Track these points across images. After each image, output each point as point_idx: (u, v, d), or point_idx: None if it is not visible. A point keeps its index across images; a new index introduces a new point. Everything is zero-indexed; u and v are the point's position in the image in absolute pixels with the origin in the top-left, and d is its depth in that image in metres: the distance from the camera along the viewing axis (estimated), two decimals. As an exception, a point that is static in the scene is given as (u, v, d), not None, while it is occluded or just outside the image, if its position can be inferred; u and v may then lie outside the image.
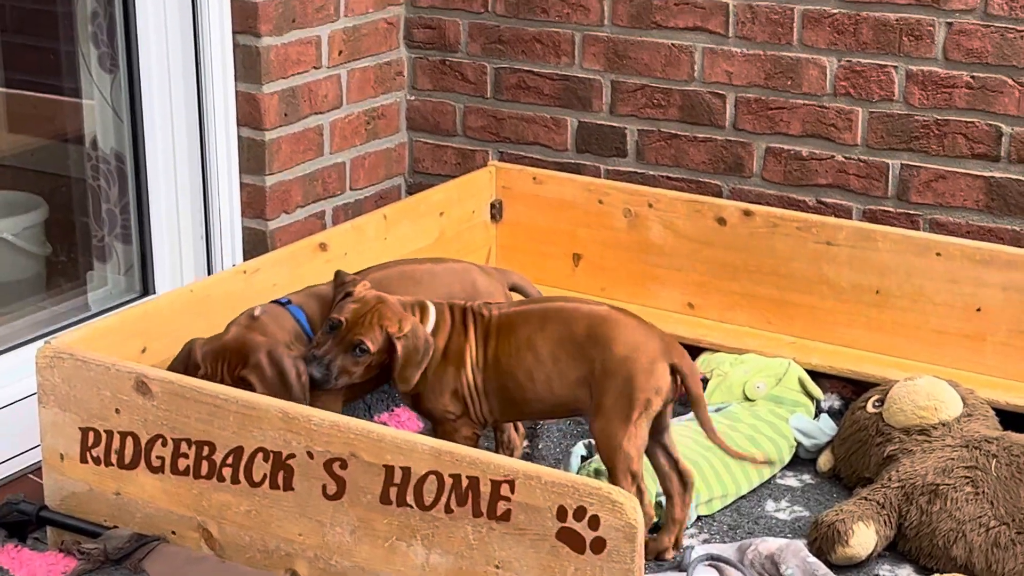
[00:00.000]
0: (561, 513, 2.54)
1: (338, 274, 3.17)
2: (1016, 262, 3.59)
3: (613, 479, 3.04)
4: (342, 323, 3.00)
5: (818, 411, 3.72)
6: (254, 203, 3.96)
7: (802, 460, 3.61)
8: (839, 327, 3.81)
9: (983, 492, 3.18)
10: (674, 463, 3.14)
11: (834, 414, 3.70)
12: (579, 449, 3.44)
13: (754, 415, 3.59)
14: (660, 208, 3.97)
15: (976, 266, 3.63)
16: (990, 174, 3.72)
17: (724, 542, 3.27)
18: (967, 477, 3.21)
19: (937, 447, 3.33)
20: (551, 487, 2.55)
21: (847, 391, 3.72)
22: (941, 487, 3.20)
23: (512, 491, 2.58)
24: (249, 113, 3.89)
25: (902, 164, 3.80)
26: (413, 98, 4.35)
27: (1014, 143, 3.67)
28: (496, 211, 4.19)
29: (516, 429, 3.41)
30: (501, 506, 2.60)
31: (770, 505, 3.44)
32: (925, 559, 3.17)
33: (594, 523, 2.52)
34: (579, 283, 4.13)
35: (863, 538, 3.14)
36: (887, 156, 3.81)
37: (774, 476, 3.55)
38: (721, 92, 3.96)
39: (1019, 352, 3.62)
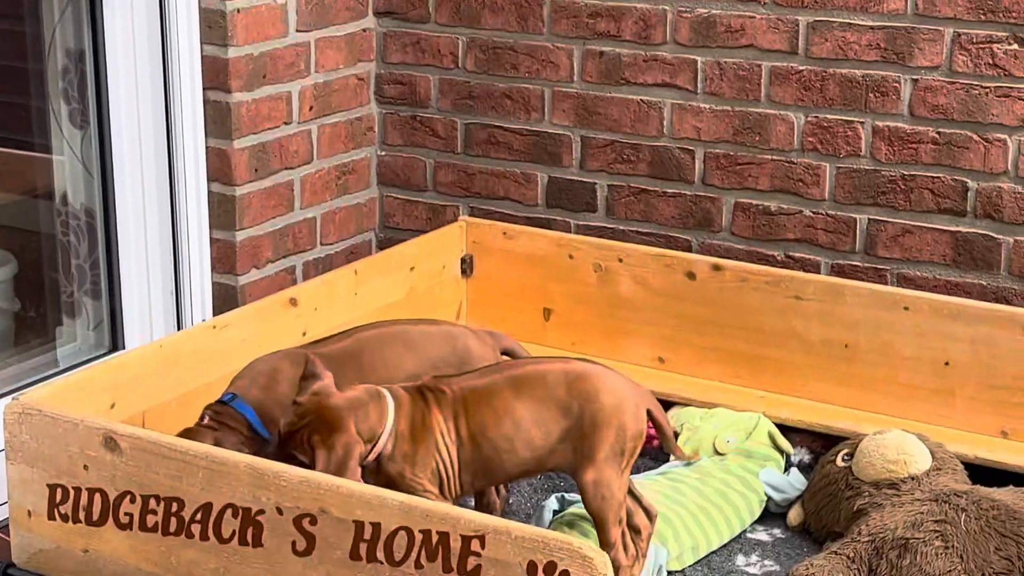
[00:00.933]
0: (531, 568, 2.54)
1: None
2: (983, 316, 3.62)
3: (605, 528, 3.05)
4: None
5: (788, 465, 3.72)
6: (224, 258, 3.96)
7: (772, 514, 3.61)
8: (809, 381, 3.82)
9: (953, 546, 3.19)
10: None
11: (804, 468, 3.70)
12: (551, 503, 3.43)
13: (724, 469, 3.59)
14: (630, 263, 3.99)
15: (944, 320, 3.65)
16: (956, 229, 3.75)
17: (695, 598, 3.27)
18: (937, 531, 3.22)
19: (907, 501, 3.34)
20: (521, 542, 2.55)
21: (817, 445, 3.73)
22: (911, 541, 3.21)
23: (483, 546, 2.58)
24: (220, 168, 3.90)
25: (869, 219, 3.82)
26: (384, 153, 4.36)
27: (980, 198, 3.70)
28: (467, 266, 4.20)
29: (497, 491, 3.38)
30: (471, 561, 2.59)
31: (740, 560, 3.44)
32: (895, 613, 3.18)
33: (564, 579, 2.52)
34: (550, 338, 4.14)
35: (834, 593, 3.14)
36: (854, 211, 3.84)
37: (744, 531, 3.55)
38: (690, 148, 3.99)
39: (987, 406, 3.64)
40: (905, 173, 3.76)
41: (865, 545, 3.25)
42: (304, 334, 3.66)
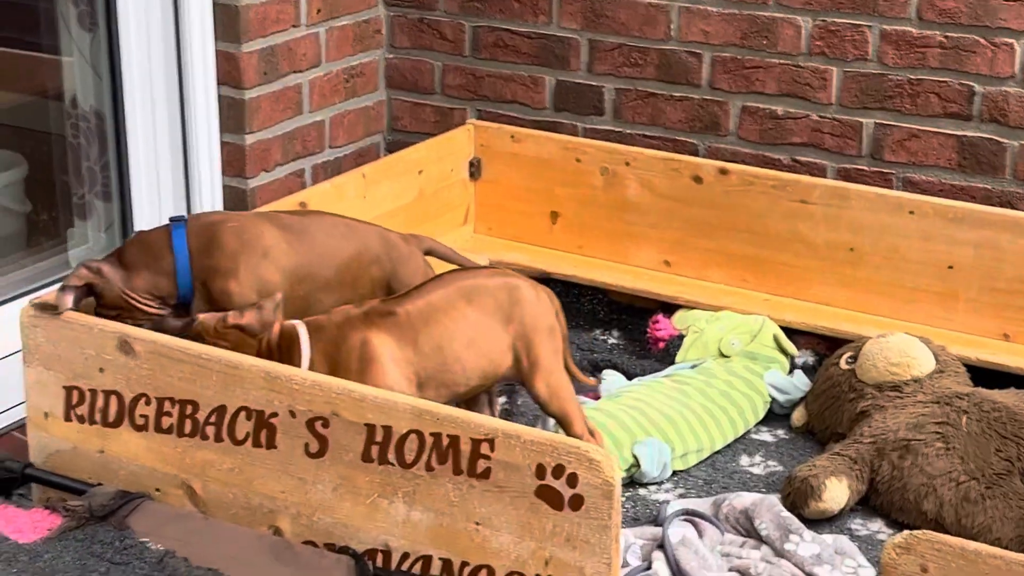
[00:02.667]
0: (540, 471, 2.59)
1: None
2: (987, 220, 3.65)
3: (571, 423, 3.16)
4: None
5: (792, 367, 3.77)
6: (234, 161, 3.98)
7: (776, 416, 3.67)
8: (813, 284, 3.86)
9: (953, 447, 3.24)
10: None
11: (808, 370, 3.75)
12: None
13: (728, 371, 3.64)
14: (637, 166, 4.01)
15: (948, 224, 3.68)
16: (962, 133, 3.76)
17: (700, 496, 3.32)
18: (938, 433, 3.26)
19: (909, 403, 3.38)
20: (530, 446, 2.59)
21: (821, 347, 3.77)
22: (912, 443, 3.26)
23: (492, 449, 2.63)
24: (228, 72, 3.91)
25: (876, 123, 3.84)
26: (392, 56, 4.37)
27: (986, 102, 3.71)
28: (475, 169, 4.22)
29: (490, 404, 3.42)
30: (481, 464, 2.64)
31: (744, 460, 3.49)
32: (896, 513, 3.23)
33: (572, 481, 2.57)
34: (557, 240, 4.17)
35: (835, 493, 3.19)
36: (861, 115, 3.85)
37: (749, 431, 3.60)
38: (697, 51, 4.00)
39: (990, 309, 3.68)
40: (912, 77, 3.77)
41: (867, 446, 3.30)
42: (315, 237, 3.69)
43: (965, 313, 3.70)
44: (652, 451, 3.35)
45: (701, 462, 3.47)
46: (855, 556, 3.05)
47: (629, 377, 3.75)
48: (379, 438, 2.72)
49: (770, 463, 3.48)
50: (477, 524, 2.67)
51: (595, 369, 3.84)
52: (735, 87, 3.97)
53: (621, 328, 4.06)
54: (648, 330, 3.93)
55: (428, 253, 3.46)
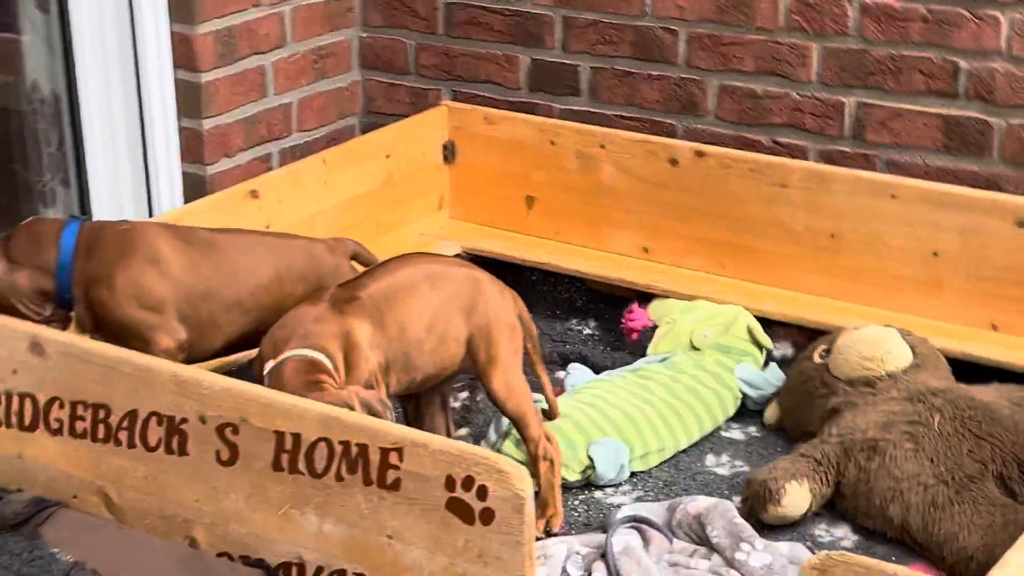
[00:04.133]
0: (449, 483, 2.43)
1: None
2: (973, 204, 3.44)
3: (527, 423, 3.04)
4: None
5: (769, 360, 3.59)
6: (192, 147, 3.83)
7: (750, 412, 3.49)
8: (794, 272, 3.67)
9: (923, 449, 3.05)
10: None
11: (786, 363, 3.56)
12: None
13: (698, 365, 3.46)
14: (612, 149, 3.83)
15: (932, 208, 3.48)
16: (948, 112, 3.56)
17: (658, 499, 3.15)
18: (908, 433, 3.08)
19: (881, 400, 3.20)
20: (439, 456, 2.44)
21: (801, 339, 3.58)
22: (880, 443, 3.07)
23: (401, 459, 2.47)
24: (184, 55, 3.76)
25: (858, 102, 3.64)
26: (365, 35, 4.21)
27: (971, 79, 3.50)
28: (449, 153, 4.06)
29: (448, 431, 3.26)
30: (391, 475, 2.49)
31: (710, 459, 3.32)
32: (862, 518, 3.05)
33: (482, 493, 2.41)
34: (533, 226, 4.01)
35: (795, 497, 3.01)
36: (842, 93, 3.65)
37: (718, 428, 3.42)
38: (673, 27, 3.80)
39: (976, 298, 3.48)
40: (894, 53, 3.57)
41: (834, 446, 3.12)
42: (268, 227, 3.54)
43: (951, 302, 3.51)
44: (608, 452, 3.18)
45: (663, 462, 3.30)
46: (810, 567, 2.87)
47: (598, 370, 3.58)
48: (288, 446, 2.58)
49: (737, 463, 3.30)
50: (389, 537, 2.52)
51: (564, 362, 3.67)
52: (712, 65, 3.78)
53: (598, 317, 3.89)
54: (622, 320, 3.76)
55: (353, 258, 3.29)
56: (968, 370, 3.38)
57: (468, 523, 2.43)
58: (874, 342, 3.28)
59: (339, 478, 2.54)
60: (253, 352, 2.99)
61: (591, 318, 3.90)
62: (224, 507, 2.68)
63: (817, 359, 3.37)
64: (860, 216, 3.55)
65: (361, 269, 3.20)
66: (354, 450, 2.51)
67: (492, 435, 3.26)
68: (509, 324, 3.03)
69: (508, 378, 3.02)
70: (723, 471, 3.27)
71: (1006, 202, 3.42)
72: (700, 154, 3.71)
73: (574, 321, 3.89)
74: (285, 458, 2.58)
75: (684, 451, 3.33)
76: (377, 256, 3.29)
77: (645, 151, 3.78)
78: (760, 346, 3.54)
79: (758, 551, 2.85)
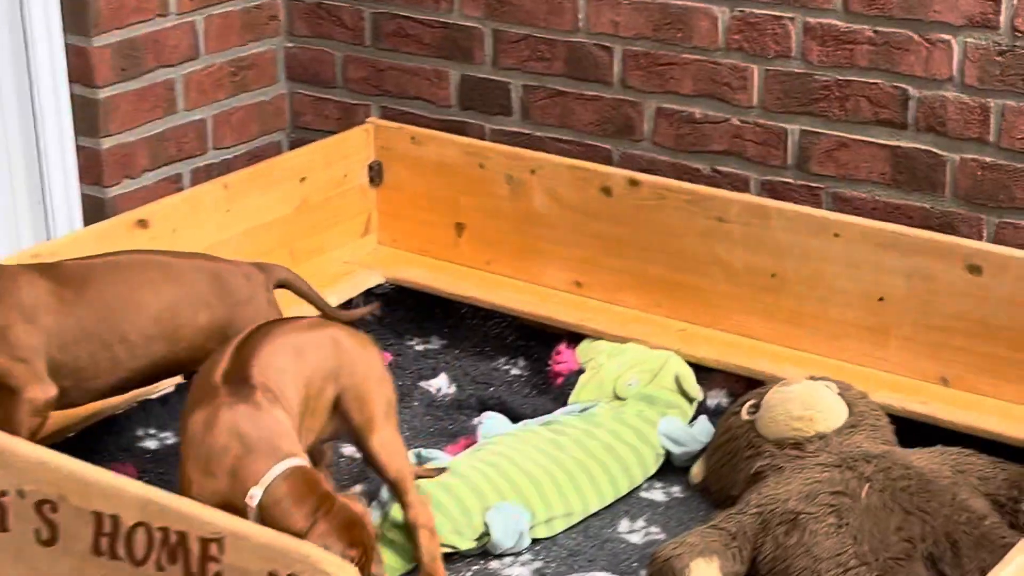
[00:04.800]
0: (272, 580, 2.16)
1: None
2: (921, 247, 3.13)
3: (408, 495, 2.75)
4: None
5: (703, 412, 3.29)
6: (91, 168, 3.57)
7: (676, 469, 3.19)
8: (733, 313, 3.37)
9: (847, 524, 2.75)
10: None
11: (720, 415, 3.26)
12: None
13: (617, 419, 3.17)
14: (543, 175, 3.54)
15: (877, 250, 3.17)
16: (896, 143, 3.24)
17: (560, 570, 2.87)
18: (832, 506, 2.77)
19: (808, 465, 2.89)
20: (260, 550, 2.16)
21: (739, 388, 3.28)
22: (801, 516, 2.77)
23: (221, 551, 2.20)
24: (79, 68, 3.50)
25: (802, 129, 3.33)
26: (292, 45, 3.93)
27: (921, 108, 3.19)
28: (375, 174, 3.78)
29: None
30: (211, 568, 2.21)
31: (623, 524, 3.02)
32: (777, 602, 2.75)
33: (305, 593, 2.13)
34: (463, 255, 3.72)
35: (702, 577, 2.72)
36: (785, 120, 3.35)
37: (638, 488, 3.13)
38: (607, 44, 3.50)
39: (925, 348, 3.17)
40: (840, 78, 3.25)
41: (751, 518, 2.82)
42: (161, 257, 3.27)
43: (898, 351, 3.20)
44: (506, 518, 2.90)
45: (571, 528, 3.00)
46: (709, 660, 2.59)
47: (516, 419, 3.29)
48: (108, 528, 2.31)
49: (652, 529, 3.01)
50: (214, 637, 2.25)
51: (482, 408, 3.38)
52: (649, 86, 3.48)
53: (528, 356, 3.60)
54: (549, 362, 3.47)
55: (282, 286, 3.01)
56: (914, 428, 3.08)
57: (293, 626, 2.16)
58: (805, 400, 2.98)
59: (159, 567, 2.27)
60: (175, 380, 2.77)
61: (521, 356, 3.61)
62: (47, 591, 2.41)
63: (745, 415, 3.07)
64: (802, 255, 3.25)
65: (286, 299, 2.94)
66: (173, 538, 2.24)
67: (384, 494, 2.99)
68: (379, 378, 2.74)
69: (385, 439, 2.74)
70: (636, 539, 2.98)
71: (956, 245, 3.11)
72: (634, 183, 3.42)
73: (502, 360, 3.61)
74: (104, 541, 2.31)
75: (597, 514, 3.04)
76: (309, 285, 3.04)
77: (576, 178, 3.49)
78: (689, 397, 3.25)
79: (650, 644, 2.57)
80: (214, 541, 2.19)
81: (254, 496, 2.42)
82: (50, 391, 2.73)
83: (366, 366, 2.73)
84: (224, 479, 2.45)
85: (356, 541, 2.42)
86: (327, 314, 3.03)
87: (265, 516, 2.41)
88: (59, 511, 2.35)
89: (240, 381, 2.55)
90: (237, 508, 2.43)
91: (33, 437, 2.74)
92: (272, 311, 2.93)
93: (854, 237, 3.19)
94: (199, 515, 2.21)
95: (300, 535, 2.34)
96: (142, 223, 3.28)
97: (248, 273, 2.91)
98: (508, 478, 2.95)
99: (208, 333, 2.87)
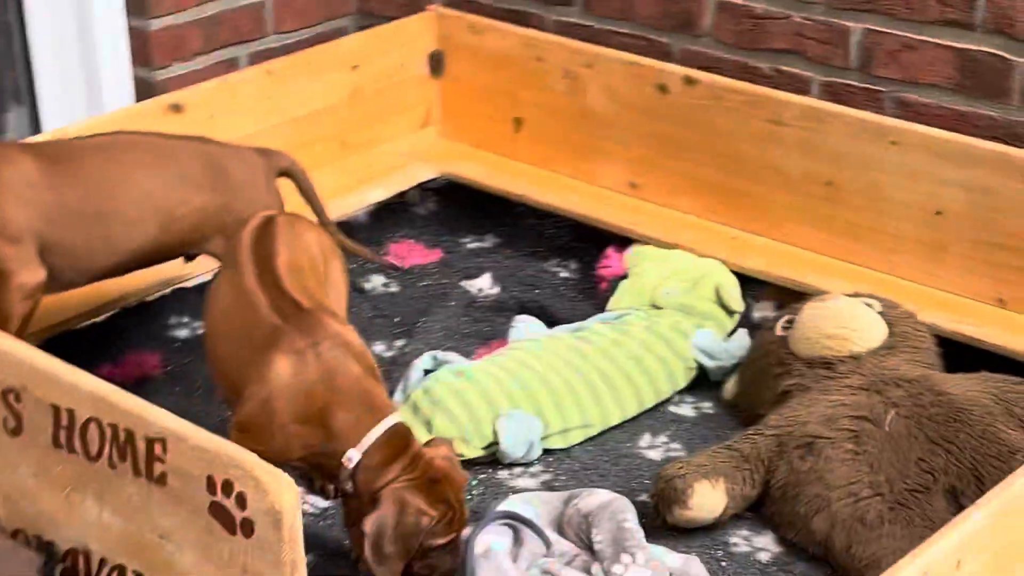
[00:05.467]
0: (211, 485, 2.07)
1: None
2: (981, 157, 2.92)
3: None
4: None
5: (745, 325, 3.14)
6: (141, 49, 3.49)
7: (710, 384, 3.05)
8: (787, 223, 3.20)
9: (865, 451, 2.59)
10: None
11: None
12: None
13: (649, 329, 3.03)
14: (600, 70, 3.39)
15: (935, 160, 2.97)
16: (963, 45, 3.02)
17: (567, 485, 2.75)
18: (851, 432, 2.62)
19: (835, 387, 2.74)
20: (199, 453, 2.08)
21: (789, 301, 3.10)
22: (818, 441, 2.62)
23: (165, 451, 2.12)
24: (129, -54, 3.42)
25: (865, 29, 3.12)
26: (360, -75, 3.81)
27: (991, 8, 2.96)
28: (437, 64, 3.65)
29: None
30: (157, 467, 2.14)
31: (645, 440, 2.90)
32: (785, 528, 2.61)
33: (241, 501, 2.04)
34: (520, 151, 3.59)
35: (705, 500, 2.58)
36: (849, 18, 3.14)
37: (669, 401, 3.00)
38: (669, -66, 3.33)
39: (983, 267, 2.97)
40: (906, -27, 3.04)
41: (768, 440, 2.67)
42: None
43: (954, 269, 3.01)
44: (517, 426, 2.79)
45: (589, 440, 2.88)
46: (700, 587, 2.46)
47: (552, 324, 3.17)
48: (65, 422, 2.24)
49: (673, 446, 2.87)
50: (161, 537, 2.18)
51: (522, 311, 3.27)
52: (711, -23, 3.30)
53: (581, 259, 3.47)
54: (596, 266, 3.34)
55: (284, 175, 2.92)
56: (964, 353, 2.90)
57: (231, 533, 2.07)
58: (839, 318, 2.81)
59: (111, 464, 2.20)
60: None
61: (573, 259, 3.48)
62: (16, 481, 2.36)
63: (779, 331, 2.91)
64: (859, 163, 3.06)
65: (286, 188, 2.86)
66: (122, 435, 2.17)
67: (398, 395, 2.90)
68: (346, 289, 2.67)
69: None
70: (655, 455, 2.85)
71: (1020, 159, 2.89)
72: (690, 81, 3.25)
73: (554, 262, 3.48)
74: (63, 435, 2.25)
75: (619, 427, 2.92)
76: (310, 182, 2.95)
77: (632, 75, 3.33)
78: (729, 310, 3.10)
79: (637, 566, 2.44)
80: (158, 441, 2.12)
81: (351, 459, 2.32)
82: (39, 274, 2.67)
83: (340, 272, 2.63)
84: (317, 436, 2.33)
85: (438, 499, 2.32)
86: (323, 221, 2.93)
87: (358, 477, 2.32)
88: (23, 402, 2.29)
89: (297, 313, 2.40)
90: (324, 466, 2.36)
91: (26, 322, 2.70)
92: (271, 198, 2.84)
93: (912, 145, 2.99)
94: (143, 413, 2.13)
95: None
96: (176, 108, 3.20)
97: (247, 158, 2.83)
98: (524, 385, 2.84)
99: (202, 217, 2.80)
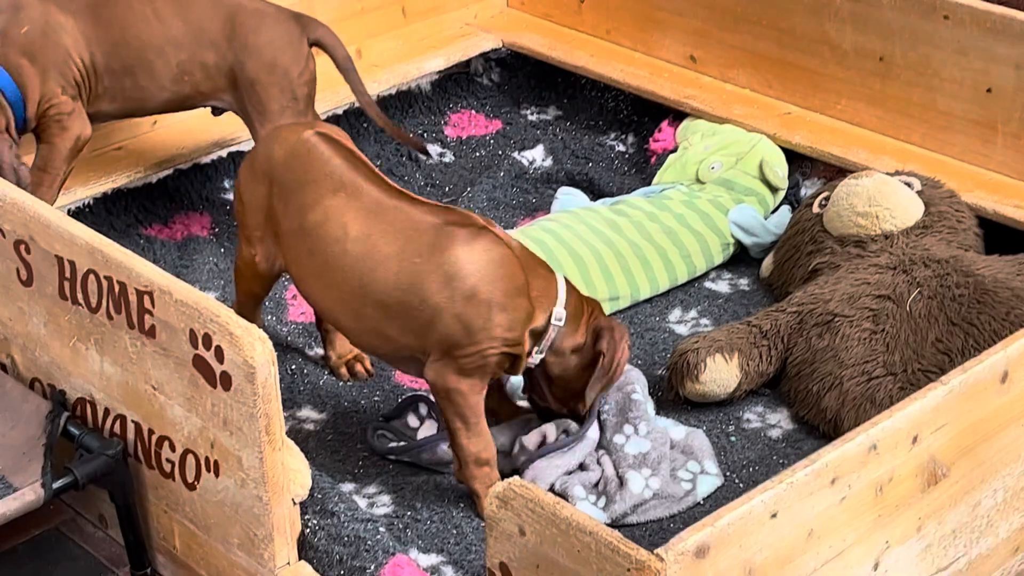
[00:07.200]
0: (192, 338, 2.11)
1: None
2: (1033, 35, 2.84)
3: None
4: None
5: (789, 201, 3.10)
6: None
7: (749, 261, 3.02)
8: (840, 98, 3.14)
9: (883, 330, 2.55)
10: None
11: (810, 205, 3.05)
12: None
13: (688, 203, 2.99)
14: (658, -66, 3.34)
15: (986, 36, 2.88)
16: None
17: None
18: (871, 311, 2.58)
19: (863, 266, 2.69)
20: (181, 307, 2.11)
21: (840, 179, 3.05)
22: (837, 319, 2.58)
23: (153, 305, 2.16)
24: None
25: None
26: None
27: None
28: (502, -72, 3.62)
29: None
30: (147, 320, 2.18)
31: (675, 314, 2.88)
32: (799, 406, 2.58)
33: (219, 355, 2.08)
34: (585, 22, 3.56)
35: (718, 375, 2.57)
36: None
37: (703, 277, 2.97)
38: None
39: (1032, 147, 2.89)
40: None
41: (789, 316, 2.64)
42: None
43: (1003, 149, 2.93)
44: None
45: (618, 312, 2.87)
46: (701, 460, 2.45)
47: (598, 197, 3.16)
48: (67, 274, 2.29)
49: (703, 321, 2.85)
50: (154, 388, 2.22)
51: (571, 183, 3.26)
52: None
53: (639, 133, 3.43)
54: (650, 140, 3.31)
55: (316, 44, 2.91)
56: (1008, 235, 2.83)
57: (212, 385, 2.11)
58: (873, 195, 2.76)
59: (109, 316, 2.24)
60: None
61: (631, 132, 3.45)
62: (30, 331, 2.43)
63: (816, 209, 2.86)
64: (911, 38, 2.98)
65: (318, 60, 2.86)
66: (116, 288, 2.21)
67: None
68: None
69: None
70: (682, 329, 2.83)
71: (1072, 35, 2.80)
72: (747, -55, 3.19)
73: (612, 135, 3.45)
74: (67, 286, 2.30)
75: (650, 300, 2.90)
76: (345, 50, 2.94)
77: (690, -59, 3.28)
78: (773, 186, 3.05)
79: (639, 436, 2.44)
80: (147, 294, 2.16)
81: (560, 317, 2.33)
82: (88, 129, 2.76)
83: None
84: (523, 309, 2.31)
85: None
86: (358, 96, 2.92)
87: (559, 334, 2.33)
88: (32, 252, 2.35)
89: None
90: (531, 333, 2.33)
91: (66, 176, 2.79)
92: (294, 64, 2.82)
93: (963, 20, 2.90)
94: (133, 266, 2.17)
95: (578, 349, 2.34)
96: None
97: (277, 20, 2.82)
98: (552, 256, 2.82)
99: (212, 74, 2.82)
